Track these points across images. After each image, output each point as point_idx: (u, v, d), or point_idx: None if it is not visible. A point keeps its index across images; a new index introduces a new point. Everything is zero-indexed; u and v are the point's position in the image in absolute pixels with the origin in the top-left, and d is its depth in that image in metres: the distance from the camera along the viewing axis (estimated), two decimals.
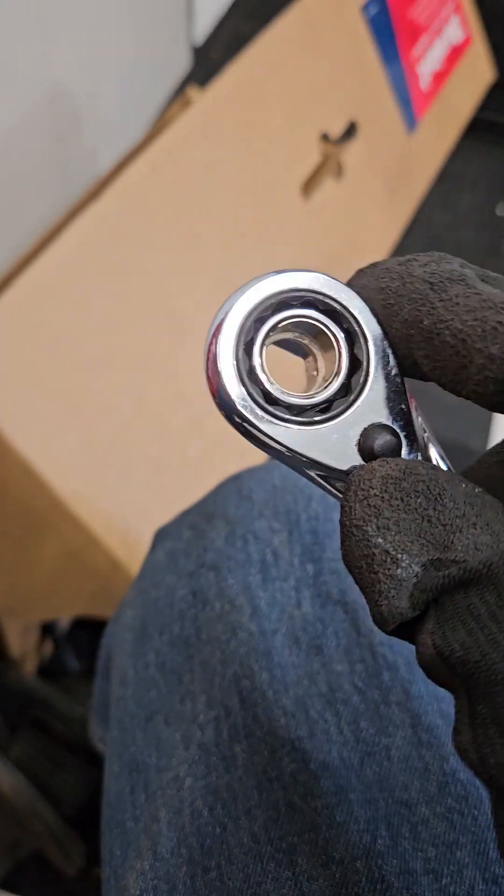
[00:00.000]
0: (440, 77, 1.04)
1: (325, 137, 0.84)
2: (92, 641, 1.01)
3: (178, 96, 1.51)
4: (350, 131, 0.88)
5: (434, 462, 0.21)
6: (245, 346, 0.20)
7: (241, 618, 0.35)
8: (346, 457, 0.20)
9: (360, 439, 0.20)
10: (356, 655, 0.34)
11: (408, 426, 0.20)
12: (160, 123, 1.25)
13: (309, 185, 0.82)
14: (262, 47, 0.79)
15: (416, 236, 1.39)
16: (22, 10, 0.97)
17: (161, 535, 0.43)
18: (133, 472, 0.67)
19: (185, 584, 0.37)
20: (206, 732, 0.33)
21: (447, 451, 0.22)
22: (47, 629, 0.92)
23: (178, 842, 0.32)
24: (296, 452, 0.20)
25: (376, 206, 0.91)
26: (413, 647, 0.34)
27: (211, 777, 0.32)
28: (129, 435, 0.67)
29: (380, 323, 0.20)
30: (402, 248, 1.34)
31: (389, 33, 0.94)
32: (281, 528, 0.37)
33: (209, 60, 1.57)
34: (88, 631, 0.95)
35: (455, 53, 1.09)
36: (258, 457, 0.78)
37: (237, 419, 0.20)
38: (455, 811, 0.31)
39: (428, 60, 1.00)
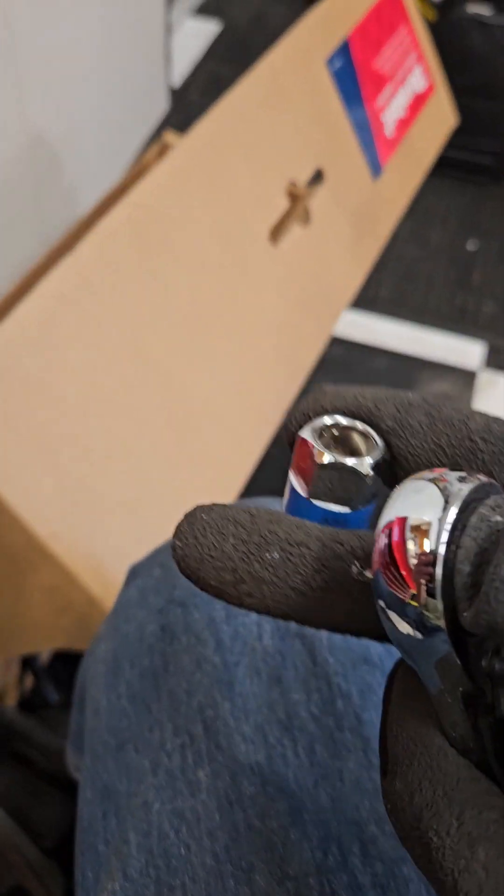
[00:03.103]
0: (404, 124, 1.09)
1: (292, 185, 0.88)
2: (71, 674, 1.03)
3: (156, 139, 1.55)
4: (316, 179, 0.92)
5: None
6: None
7: (205, 650, 0.37)
8: None
9: None
10: (313, 685, 0.37)
11: None
12: (137, 168, 1.29)
13: (277, 232, 0.86)
14: (231, 101, 0.83)
15: (390, 270, 1.43)
16: None
17: (133, 573, 0.46)
18: (107, 513, 0.70)
19: (154, 619, 0.40)
20: (173, 759, 0.35)
21: None
22: (27, 662, 0.93)
23: (146, 863, 0.34)
24: None
25: (342, 250, 0.95)
26: (367, 679, 0.37)
27: (177, 801, 0.34)
28: (104, 477, 0.70)
29: None
30: (376, 283, 1.38)
31: (354, 84, 0.98)
32: None
33: (187, 102, 1.62)
34: (68, 664, 0.97)
35: (419, 101, 1.13)
36: (227, 493, 0.81)
37: None
38: None
39: (392, 109, 1.05)
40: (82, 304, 0.68)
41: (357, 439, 0.22)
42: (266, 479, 0.97)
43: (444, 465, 0.21)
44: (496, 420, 0.22)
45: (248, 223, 0.83)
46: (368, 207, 0.99)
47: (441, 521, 0.17)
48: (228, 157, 0.81)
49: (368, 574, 0.19)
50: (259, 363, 0.83)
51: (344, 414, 0.22)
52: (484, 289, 1.49)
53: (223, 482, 0.80)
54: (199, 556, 0.20)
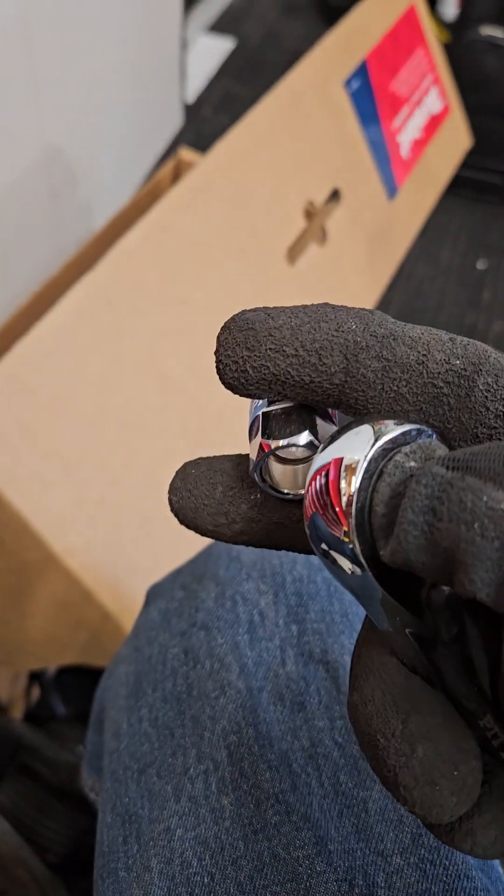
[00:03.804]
0: (419, 145, 1.09)
1: (309, 204, 0.88)
2: (78, 687, 1.03)
3: (171, 155, 1.56)
4: (333, 198, 0.92)
5: None
6: None
7: (229, 676, 0.37)
8: None
9: None
10: (336, 712, 0.37)
11: None
12: (152, 183, 1.29)
13: (294, 251, 0.86)
14: (251, 121, 0.83)
15: (400, 288, 1.44)
16: (16, 69, 1.00)
17: (154, 594, 0.46)
18: (123, 528, 0.70)
19: (177, 642, 0.40)
20: (196, 785, 0.35)
21: None
22: (35, 674, 0.93)
23: (168, 891, 0.34)
24: None
25: (358, 269, 0.95)
26: None
27: (200, 828, 0.34)
28: (119, 492, 0.70)
29: None
30: (386, 300, 1.38)
31: (371, 105, 0.99)
32: (267, 590, 0.40)
33: (200, 118, 1.62)
34: (75, 676, 0.97)
35: (434, 122, 1.14)
36: None
37: None
38: (427, 861, 0.33)
39: (408, 130, 1.05)
40: (102, 319, 0.68)
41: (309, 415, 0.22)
42: None
43: (408, 412, 0.20)
44: (457, 349, 0.20)
45: (266, 242, 0.83)
46: (383, 227, 1.00)
47: (366, 460, 0.18)
48: (248, 177, 0.82)
49: None
50: None
51: (281, 380, 0.21)
52: (493, 308, 1.49)
53: None
54: (194, 507, 0.23)
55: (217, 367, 0.21)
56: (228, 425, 0.79)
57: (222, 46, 1.81)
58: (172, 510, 0.23)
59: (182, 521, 0.23)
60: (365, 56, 0.97)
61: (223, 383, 0.21)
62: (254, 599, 0.40)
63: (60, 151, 1.21)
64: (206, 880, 0.33)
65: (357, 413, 0.21)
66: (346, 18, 0.96)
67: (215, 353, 0.21)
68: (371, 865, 0.33)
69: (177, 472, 0.23)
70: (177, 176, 1.35)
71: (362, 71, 0.97)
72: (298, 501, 0.22)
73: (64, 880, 0.89)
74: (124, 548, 0.70)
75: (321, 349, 0.20)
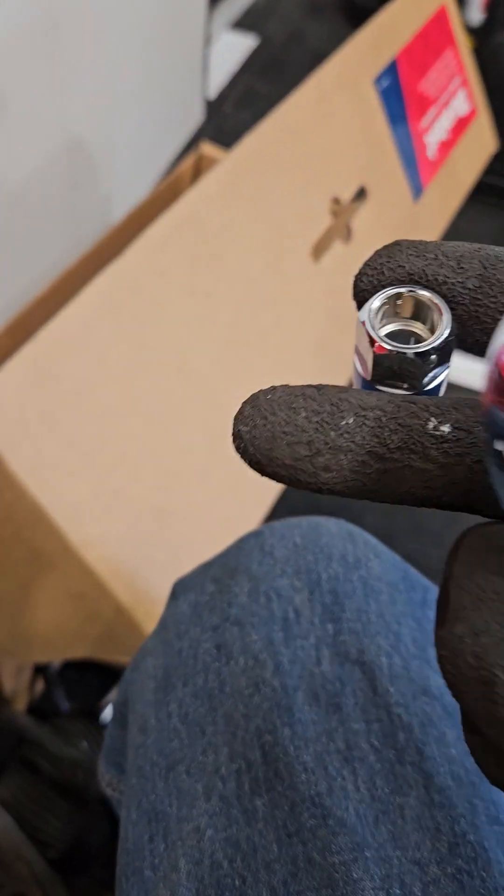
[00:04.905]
0: (446, 147, 1.08)
1: (335, 202, 0.87)
2: (82, 682, 1.02)
3: (192, 149, 1.55)
4: (359, 197, 0.91)
5: None
6: None
7: (264, 673, 0.36)
8: None
9: None
10: (373, 715, 0.36)
11: None
12: (173, 177, 1.28)
13: (319, 247, 0.85)
14: (280, 115, 0.82)
15: None
16: (43, 61, 1.00)
17: (183, 587, 0.45)
18: (139, 521, 0.69)
19: (209, 637, 0.39)
20: (228, 784, 0.34)
21: None
22: (39, 668, 0.92)
23: (196, 892, 0.33)
24: None
25: None
26: (427, 711, 0.36)
27: (231, 829, 0.33)
28: (136, 484, 0.69)
29: None
30: None
31: (400, 104, 0.98)
32: (302, 587, 0.39)
33: (221, 114, 1.61)
34: (80, 672, 0.96)
35: (461, 125, 1.13)
36: (258, 508, 0.80)
37: None
38: (465, 872, 0.32)
39: (435, 131, 1.04)
40: (127, 309, 0.67)
41: (426, 307, 0.21)
42: (294, 494, 0.96)
43: None
44: None
45: (292, 238, 0.82)
46: (408, 228, 0.99)
47: None
48: (276, 171, 0.81)
49: (445, 428, 0.19)
50: (296, 380, 0.82)
51: (415, 279, 0.20)
52: None
53: (252, 496, 0.79)
54: (269, 435, 0.20)
55: (356, 276, 0.21)
56: None
57: (245, 43, 1.80)
58: (241, 443, 0.20)
59: (252, 457, 0.20)
60: (395, 55, 0.96)
61: (357, 289, 0.21)
62: (288, 596, 0.39)
63: (82, 143, 1.21)
64: (237, 883, 0.32)
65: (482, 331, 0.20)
66: (378, 16, 0.95)
67: (364, 263, 0.21)
68: (408, 874, 0.32)
69: (246, 402, 0.20)
70: (198, 171, 1.34)
71: (392, 70, 0.96)
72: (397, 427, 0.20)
73: (62, 877, 0.87)
74: (140, 541, 0.68)
75: (461, 257, 0.21)
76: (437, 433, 0.19)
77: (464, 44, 1.14)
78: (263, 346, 0.79)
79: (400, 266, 0.21)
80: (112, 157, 1.31)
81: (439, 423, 0.19)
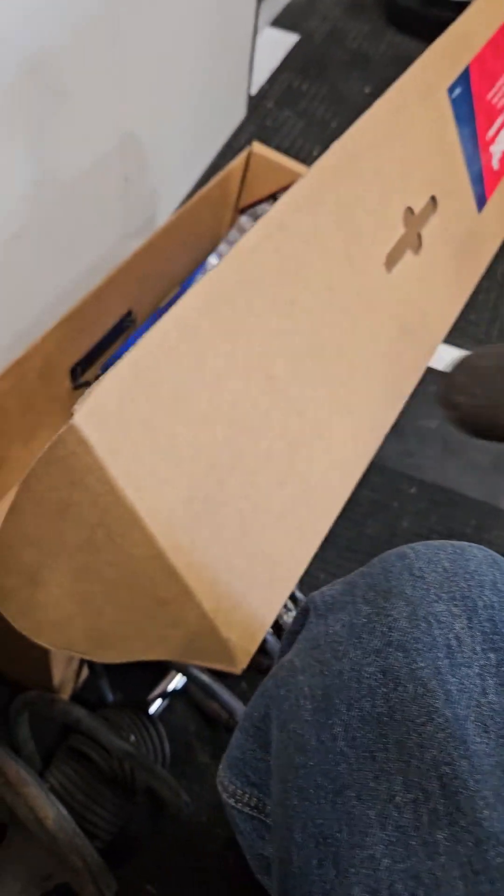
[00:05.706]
0: None
1: (408, 211, 0.87)
2: (124, 674, 1.01)
3: (233, 145, 1.54)
4: (430, 206, 0.91)
5: None
6: None
7: (434, 702, 0.36)
8: None
9: None
10: None
11: None
12: (224, 174, 1.28)
13: (392, 257, 0.85)
14: (362, 125, 0.82)
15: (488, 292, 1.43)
16: (104, 57, 0.99)
17: (326, 605, 0.44)
18: (223, 528, 0.69)
19: (372, 661, 0.39)
20: (404, 814, 0.34)
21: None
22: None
23: None
24: None
25: (446, 279, 0.94)
26: None
27: (411, 861, 0.33)
28: (223, 490, 0.68)
29: None
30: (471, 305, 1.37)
31: (470, 113, 0.98)
32: (460, 614, 0.39)
33: (262, 111, 1.61)
34: (124, 664, 0.96)
35: None
36: (326, 519, 0.80)
37: None
38: None
39: (499, 141, 1.04)
40: (221, 317, 0.67)
41: None
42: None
43: None
44: None
45: (370, 248, 0.82)
46: (471, 239, 0.99)
47: None
48: (358, 182, 0.81)
49: None
50: (367, 390, 0.82)
51: None
52: None
53: (323, 504, 0.80)
54: (494, 403, 0.18)
55: None
56: (323, 431, 0.78)
57: (286, 40, 1.79)
58: (459, 413, 0.19)
59: (474, 426, 0.19)
60: (468, 62, 0.96)
61: None
62: (448, 622, 0.39)
63: (135, 137, 1.20)
64: None
65: None
66: (454, 24, 0.95)
67: None
68: None
69: (454, 368, 0.20)
70: (247, 169, 1.33)
71: (465, 77, 0.96)
72: None
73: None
74: (223, 548, 0.68)
75: None
76: None
77: None
78: (338, 354, 0.80)
79: None
80: (162, 151, 1.31)
81: None
